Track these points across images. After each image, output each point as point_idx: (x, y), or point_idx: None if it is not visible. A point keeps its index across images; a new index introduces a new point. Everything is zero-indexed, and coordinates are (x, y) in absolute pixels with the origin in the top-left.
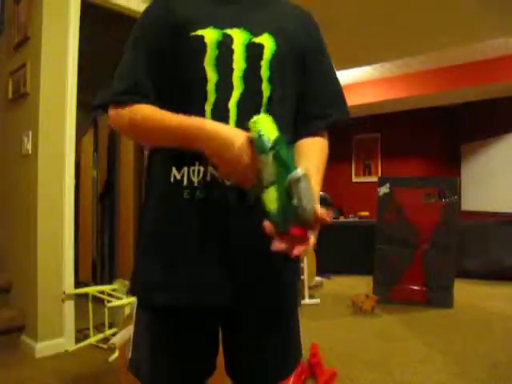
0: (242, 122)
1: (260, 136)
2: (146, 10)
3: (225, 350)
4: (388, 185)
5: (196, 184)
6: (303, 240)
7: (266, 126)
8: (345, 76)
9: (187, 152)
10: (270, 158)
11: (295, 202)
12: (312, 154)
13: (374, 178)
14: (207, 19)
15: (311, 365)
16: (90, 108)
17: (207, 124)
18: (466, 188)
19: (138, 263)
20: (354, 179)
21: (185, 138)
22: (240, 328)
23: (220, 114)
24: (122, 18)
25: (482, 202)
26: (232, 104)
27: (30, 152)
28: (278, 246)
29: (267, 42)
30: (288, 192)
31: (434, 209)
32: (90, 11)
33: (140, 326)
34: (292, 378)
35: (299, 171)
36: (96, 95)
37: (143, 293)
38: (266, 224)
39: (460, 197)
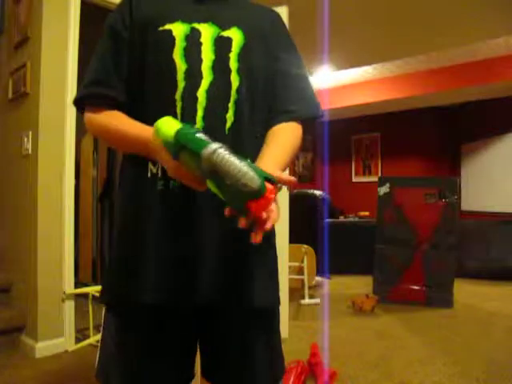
0: (212, 111)
1: (165, 142)
2: (114, 11)
3: (203, 353)
4: (388, 185)
5: None
6: (268, 212)
7: (165, 129)
8: (345, 76)
9: None
10: (184, 154)
11: (227, 180)
12: (278, 134)
13: (374, 178)
14: (175, 14)
15: (311, 365)
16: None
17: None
18: (466, 188)
19: (111, 265)
20: (354, 179)
21: (137, 148)
22: (220, 330)
23: (189, 102)
24: None
25: (481, 202)
26: (201, 92)
27: (29, 152)
28: (242, 223)
29: (235, 35)
30: (218, 175)
31: (434, 209)
32: (90, 11)
33: (110, 333)
34: (292, 378)
35: (208, 148)
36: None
37: (115, 295)
38: (226, 210)
39: (460, 197)
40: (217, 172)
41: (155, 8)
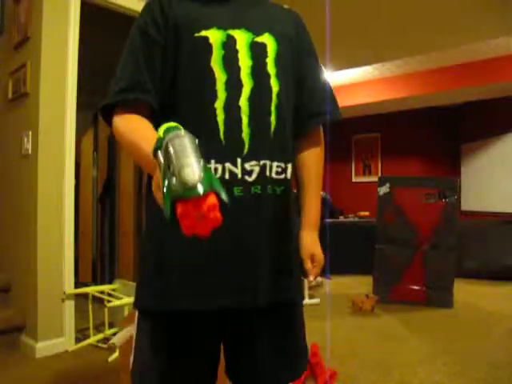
0: (256, 116)
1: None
2: (143, 11)
3: (228, 353)
4: (388, 185)
5: None
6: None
7: (163, 127)
8: (345, 76)
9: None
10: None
11: (171, 166)
12: (310, 174)
13: (374, 178)
14: (209, 20)
15: (311, 365)
16: (91, 108)
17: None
18: (466, 188)
19: (146, 271)
20: (354, 179)
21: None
22: (245, 330)
23: (232, 112)
24: (122, 17)
25: (482, 202)
26: (243, 101)
27: (29, 152)
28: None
29: (269, 41)
30: (167, 159)
31: (434, 209)
32: (90, 11)
33: (145, 335)
34: None
35: (177, 131)
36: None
37: (154, 301)
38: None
39: (460, 197)
40: (168, 156)
41: (187, 11)
